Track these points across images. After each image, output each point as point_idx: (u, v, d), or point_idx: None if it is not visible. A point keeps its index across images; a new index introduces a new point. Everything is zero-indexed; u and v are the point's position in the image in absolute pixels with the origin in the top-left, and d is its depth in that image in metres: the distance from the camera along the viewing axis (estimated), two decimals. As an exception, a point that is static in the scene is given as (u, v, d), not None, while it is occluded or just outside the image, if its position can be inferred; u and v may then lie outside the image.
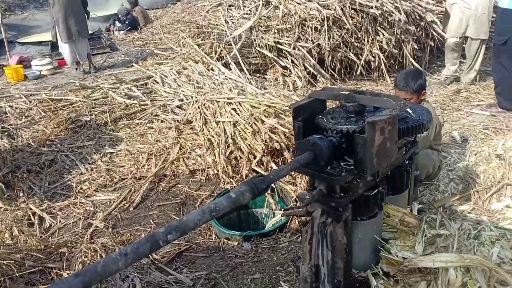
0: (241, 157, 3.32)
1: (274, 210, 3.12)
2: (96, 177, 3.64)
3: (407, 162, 2.22)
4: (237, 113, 3.67)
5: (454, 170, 3.10)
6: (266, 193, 3.25)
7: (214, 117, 3.82)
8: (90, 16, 7.19)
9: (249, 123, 3.40)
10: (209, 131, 3.69)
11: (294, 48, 5.09)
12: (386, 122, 1.75)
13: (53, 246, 2.69)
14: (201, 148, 3.77)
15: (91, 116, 4.63)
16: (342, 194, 1.88)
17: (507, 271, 1.97)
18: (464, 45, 4.94)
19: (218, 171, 3.44)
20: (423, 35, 5.34)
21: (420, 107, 2.23)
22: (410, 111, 1.98)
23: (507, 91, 4.02)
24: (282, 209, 3.18)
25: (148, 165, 3.69)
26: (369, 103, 1.89)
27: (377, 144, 1.77)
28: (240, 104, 3.75)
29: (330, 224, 1.92)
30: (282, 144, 3.27)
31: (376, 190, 2.01)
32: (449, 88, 4.88)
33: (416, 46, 5.21)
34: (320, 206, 1.93)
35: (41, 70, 6.87)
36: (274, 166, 3.21)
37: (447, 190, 2.87)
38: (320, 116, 1.98)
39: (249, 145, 3.32)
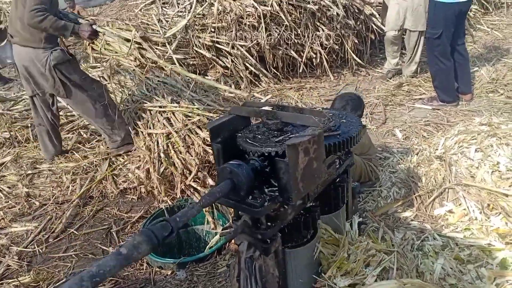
0: (175, 174, 3.04)
1: (213, 229, 2.88)
2: (14, 204, 3.23)
3: (341, 176, 2.05)
4: (170, 123, 3.38)
5: (397, 172, 3.00)
6: (204, 210, 3.00)
7: (147, 128, 3.51)
8: None
9: (182, 135, 3.12)
10: (139, 145, 3.37)
11: (233, 47, 4.84)
12: (310, 142, 1.55)
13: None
14: (133, 163, 3.45)
15: (11, 133, 4.16)
16: (269, 224, 1.67)
17: (449, 289, 1.86)
18: (403, 37, 4.91)
19: (152, 187, 3.14)
20: (363, 29, 5.26)
21: (349, 116, 2.06)
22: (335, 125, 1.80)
23: (445, 84, 4.00)
24: (222, 228, 2.95)
25: (73, 186, 3.33)
26: (291, 121, 1.68)
27: (301, 167, 1.56)
28: (173, 113, 3.46)
29: (259, 258, 1.71)
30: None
31: (308, 213, 1.83)
32: (391, 82, 4.83)
33: (356, 41, 5.12)
34: (246, 238, 1.72)
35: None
36: (211, 181, 2.96)
37: (389, 195, 2.75)
38: (241, 136, 1.75)
39: (183, 159, 3.04)
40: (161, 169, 3.09)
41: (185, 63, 5.07)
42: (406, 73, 4.92)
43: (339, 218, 2.11)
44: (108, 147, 3.68)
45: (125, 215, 3.06)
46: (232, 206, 1.60)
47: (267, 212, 1.56)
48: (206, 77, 5.25)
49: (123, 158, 3.60)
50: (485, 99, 4.11)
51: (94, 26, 3.16)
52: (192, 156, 2.97)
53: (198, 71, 5.22)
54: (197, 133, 3.10)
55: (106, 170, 3.48)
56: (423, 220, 2.49)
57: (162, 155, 3.08)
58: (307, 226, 1.83)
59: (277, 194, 1.60)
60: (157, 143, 3.26)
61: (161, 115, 3.51)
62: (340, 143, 1.75)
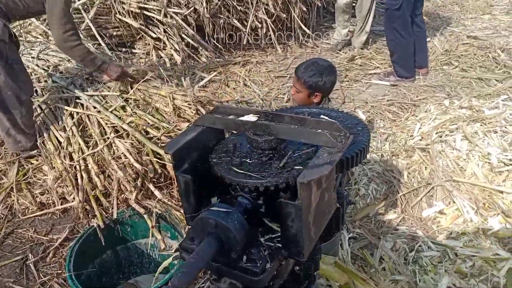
0: (108, 190, 2.43)
1: (164, 250, 2.34)
2: None
3: (339, 191, 1.62)
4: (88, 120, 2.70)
5: (370, 163, 2.66)
6: (150, 223, 2.43)
7: (58, 130, 2.78)
8: None
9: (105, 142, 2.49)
10: (47, 155, 2.65)
11: (165, 15, 4.11)
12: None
13: None
14: (54, 168, 2.72)
15: None
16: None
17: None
18: (354, 4, 4.54)
19: (79, 199, 2.47)
20: (310, -5, 4.80)
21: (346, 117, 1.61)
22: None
23: (404, 59, 3.72)
24: (174, 248, 2.42)
25: (-30, 203, 2.55)
26: (293, 138, 1.17)
27: (314, 206, 1.08)
28: (88, 117, 2.75)
29: (251, 328, 1.23)
30: (152, 166, 2.45)
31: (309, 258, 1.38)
32: (342, 55, 4.48)
33: (304, 8, 4.65)
34: (232, 304, 1.22)
35: None
36: (157, 193, 2.38)
37: (368, 193, 2.41)
38: (218, 159, 1.22)
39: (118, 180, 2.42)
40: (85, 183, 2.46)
41: (107, 34, 4.25)
42: (356, 44, 4.60)
43: (336, 242, 1.71)
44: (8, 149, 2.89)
45: (44, 238, 2.39)
46: (216, 272, 1.10)
47: (270, 278, 1.08)
48: (134, 49, 4.49)
49: (36, 160, 2.85)
50: (441, 72, 3.93)
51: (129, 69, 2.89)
52: (125, 173, 2.35)
53: (124, 43, 4.44)
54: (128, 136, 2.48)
55: (17, 176, 2.72)
56: (411, 223, 2.19)
57: (83, 175, 2.44)
58: (308, 274, 1.39)
59: (278, 245, 1.13)
60: (81, 149, 2.59)
61: (72, 118, 2.78)
62: (356, 156, 1.30)
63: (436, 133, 2.54)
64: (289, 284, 1.36)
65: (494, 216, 2.04)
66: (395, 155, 2.59)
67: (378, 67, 4.15)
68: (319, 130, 1.14)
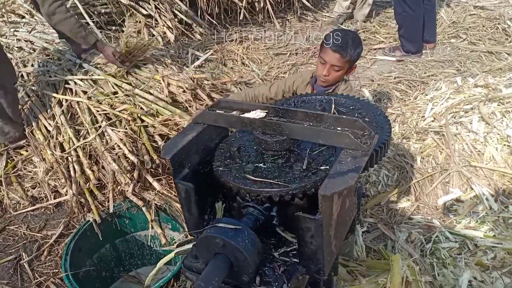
0: (102, 182, 2.28)
1: (165, 244, 2.22)
2: None
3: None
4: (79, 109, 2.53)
5: (379, 146, 2.51)
6: (149, 217, 2.30)
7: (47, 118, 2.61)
8: None
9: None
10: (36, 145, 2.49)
11: (156, -10, 3.87)
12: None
13: None
14: (44, 160, 2.57)
15: None
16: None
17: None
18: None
19: (73, 193, 2.33)
20: (308, -36, 4.53)
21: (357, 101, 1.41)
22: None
23: (412, 33, 3.52)
24: (175, 243, 2.30)
25: (-44, 198, 2.41)
26: (308, 138, 1.02)
27: (335, 218, 0.95)
28: (78, 104, 2.58)
29: None
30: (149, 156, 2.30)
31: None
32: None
33: (303, -22, 4.40)
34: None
35: None
36: (156, 185, 2.24)
37: (379, 180, 2.27)
38: (222, 163, 1.08)
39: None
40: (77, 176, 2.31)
41: (95, 12, 4.01)
42: (358, 17, 4.37)
43: (352, 240, 1.59)
44: None
45: (38, 234, 2.26)
46: (226, 296, 0.97)
47: (288, 301, 0.95)
48: (124, 27, 4.24)
49: (26, 151, 2.69)
50: (449, 46, 3.74)
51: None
52: (120, 165, 2.20)
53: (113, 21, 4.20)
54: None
55: (5, 168, 2.57)
56: (426, 212, 2.07)
57: (75, 168, 2.28)
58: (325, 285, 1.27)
59: (294, 260, 1.00)
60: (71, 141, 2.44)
61: (60, 106, 2.60)
62: (380, 151, 1.14)
63: (450, 114, 2.38)
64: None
65: (515, 204, 1.92)
66: (406, 138, 2.44)
67: (382, 41, 3.94)
68: (339, 129, 0.99)
